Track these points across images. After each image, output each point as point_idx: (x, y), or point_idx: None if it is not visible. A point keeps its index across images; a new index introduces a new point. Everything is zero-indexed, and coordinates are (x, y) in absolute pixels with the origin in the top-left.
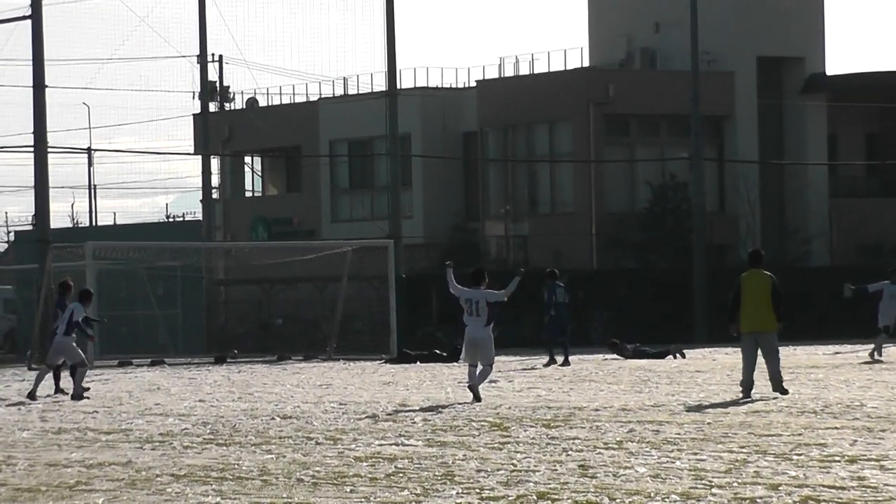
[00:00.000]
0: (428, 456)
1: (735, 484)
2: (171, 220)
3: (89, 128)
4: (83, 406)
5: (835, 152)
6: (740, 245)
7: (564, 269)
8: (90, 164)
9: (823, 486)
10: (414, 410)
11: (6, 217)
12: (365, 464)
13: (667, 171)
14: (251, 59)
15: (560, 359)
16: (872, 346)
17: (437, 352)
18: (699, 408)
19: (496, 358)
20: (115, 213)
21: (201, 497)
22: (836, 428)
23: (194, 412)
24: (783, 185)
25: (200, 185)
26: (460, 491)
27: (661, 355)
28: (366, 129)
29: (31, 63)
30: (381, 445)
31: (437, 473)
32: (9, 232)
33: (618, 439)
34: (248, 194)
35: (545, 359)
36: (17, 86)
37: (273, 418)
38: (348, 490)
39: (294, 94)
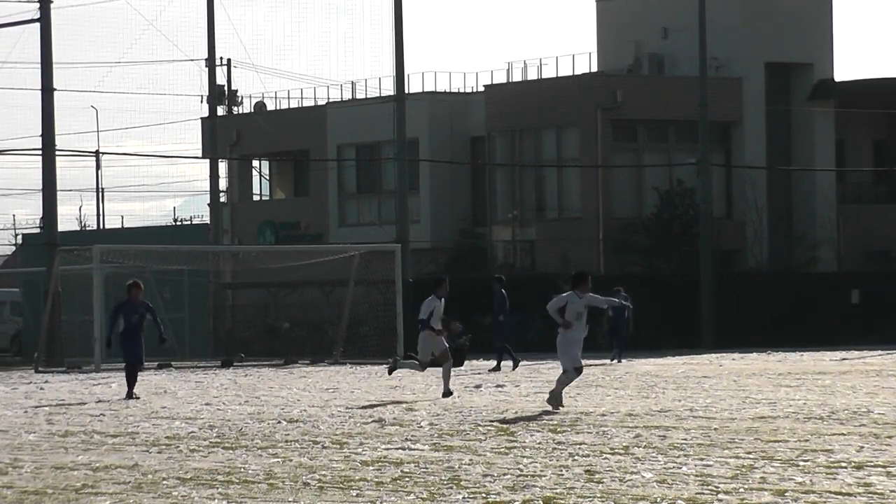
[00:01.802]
0: (434, 460)
1: (741, 490)
2: (178, 223)
3: (97, 131)
4: (89, 409)
5: (842, 158)
6: (747, 251)
7: (570, 275)
8: (98, 167)
9: (830, 492)
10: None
11: (14, 220)
12: (371, 468)
13: (674, 176)
14: (259, 63)
15: (508, 363)
16: None
17: None
18: (706, 413)
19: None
20: (122, 217)
21: (207, 500)
22: (843, 434)
23: (201, 416)
24: (790, 191)
25: (208, 188)
26: (466, 495)
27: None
28: (373, 133)
29: (39, 66)
30: (387, 450)
31: (443, 478)
32: (16, 235)
33: (624, 444)
34: (256, 198)
35: (510, 363)
36: (26, 89)
37: (279, 422)
38: (354, 494)
39: (302, 98)
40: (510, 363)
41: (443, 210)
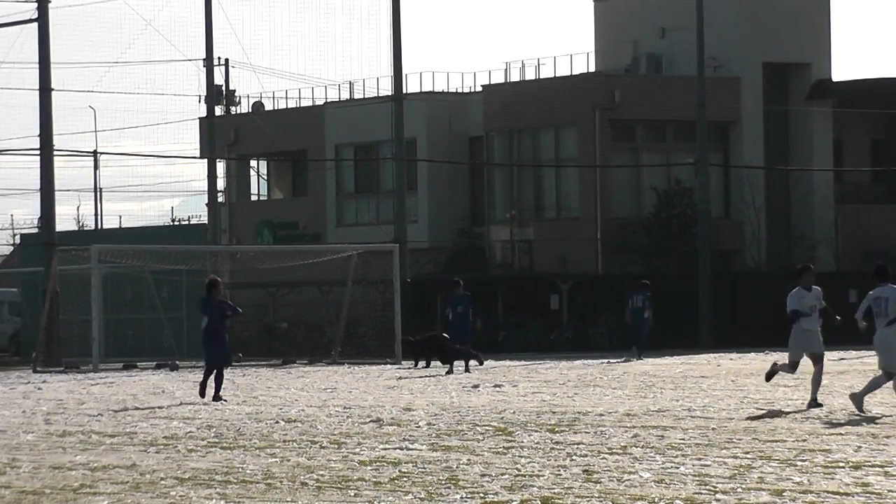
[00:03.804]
0: (432, 460)
1: (739, 489)
2: (176, 223)
3: (95, 131)
4: (87, 409)
5: (840, 158)
6: (746, 251)
7: (569, 275)
8: (96, 167)
9: (828, 492)
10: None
11: (12, 220)
12: (369, 468)
13: (672, 176)
14: (257, 63)
15: (471, 363)
16: None
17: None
18: (704, 413)
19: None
20: (120, 217)
21: (205, 500)
22: (841, 434)
23: (199, 415)
24: (789, 190)
25: (206, 188)
26: (464, 495)
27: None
28: (372, 133)
29: (37, 66)
30: (385, 449)
31: (441, 478)
32: (14, 234)
33: (622, 444)
34: (254, 198)
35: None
36: (24, 88)
37: (277, 422)
38: (352, 494)
39: (300, 98)
40: (474, 361)
41: (441, 210)
